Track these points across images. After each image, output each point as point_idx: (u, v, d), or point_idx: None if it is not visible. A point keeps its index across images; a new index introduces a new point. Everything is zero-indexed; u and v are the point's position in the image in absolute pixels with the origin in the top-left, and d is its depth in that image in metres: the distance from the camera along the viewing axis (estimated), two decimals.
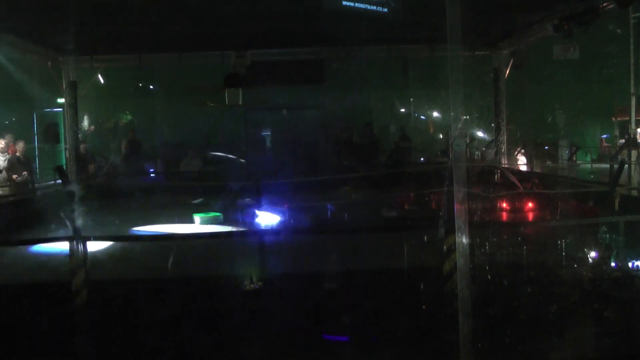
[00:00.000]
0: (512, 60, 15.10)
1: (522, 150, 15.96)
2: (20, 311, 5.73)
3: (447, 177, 4.39)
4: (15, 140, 12.22)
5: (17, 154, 11.84)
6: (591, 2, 10.37)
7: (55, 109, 15.61)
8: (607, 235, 6.83)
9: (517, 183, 11.16)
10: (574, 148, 14.19)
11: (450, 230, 5.16)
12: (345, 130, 17.42)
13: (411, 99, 20.13)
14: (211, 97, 17.08)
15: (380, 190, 12.42)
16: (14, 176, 11.53)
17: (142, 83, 19.41)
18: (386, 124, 19.40)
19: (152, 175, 16.52)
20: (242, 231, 9.25)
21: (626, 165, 10.08)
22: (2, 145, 11.74)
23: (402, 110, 20.40)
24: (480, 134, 17.79)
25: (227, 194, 13.11)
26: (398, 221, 9.98)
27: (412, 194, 10.90)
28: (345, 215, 10.80)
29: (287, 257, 7.47)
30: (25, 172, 11.79)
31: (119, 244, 8.06)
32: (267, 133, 19.10)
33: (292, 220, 10.59)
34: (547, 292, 5.79)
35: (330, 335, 5.24)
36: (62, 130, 15.35)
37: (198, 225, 10.42)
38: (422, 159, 17.72)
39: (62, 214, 6.76)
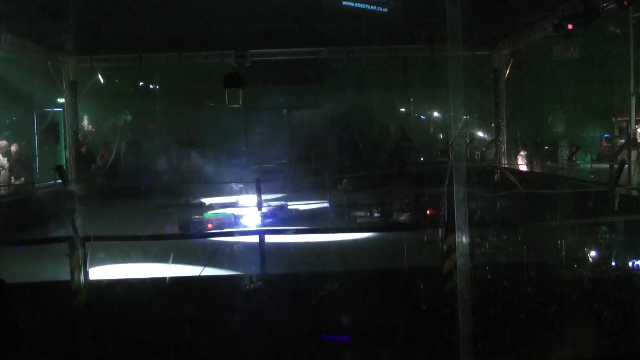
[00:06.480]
0: (512, 60, 15.11)
1: (522, 151, 15.96)
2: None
3: (448, 177, 4.40)
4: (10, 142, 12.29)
5: (14, 155, 11.90)
6: (591, 2, 10.37)
7: (55, 109, 15.59)
8: (607, 235, 6.82)
9: (517, 183, 11.17)
10: (574, 148, 14.17)
11: (450, 230, 5.16)
12: (345, 130, 17.44)
13: (411, 99, 20.12)
14: (211, 97, 17.08)
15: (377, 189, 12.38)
16: (12, 178, 11.60)
17: (142, 83, 19.40)
18: (386, 124, 19.38)
19: (152, 175, 16.46)
20: (242, 231, 9.24)
21: (626, 165, 10.06)
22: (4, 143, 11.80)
23: (402, 110, 20.39)
24: (480, 134, 17.78)
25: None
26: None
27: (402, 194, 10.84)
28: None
29: (286, 258, 7.49)
30: (22, 178, 11.88)
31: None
32: (266, 133, 19.07)
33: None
34: (547, 292, 5.78)
35: (329, 335, 5.23)
36: (62, 130, 15.35)
37: None
38: (422, 159, 17.73)
39: (61, 214, 6.76)
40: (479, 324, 4.43)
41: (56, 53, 14.42)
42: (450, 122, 4.30)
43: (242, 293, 6.04)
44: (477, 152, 16.95)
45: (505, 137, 15.94)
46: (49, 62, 14.25)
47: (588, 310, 5.38)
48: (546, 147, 16.94)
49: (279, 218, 10.64)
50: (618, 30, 13.24)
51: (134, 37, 13.24)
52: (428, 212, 9.74)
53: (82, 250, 5.90)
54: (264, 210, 10.37)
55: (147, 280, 6.62)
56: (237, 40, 13.79)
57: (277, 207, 11.34)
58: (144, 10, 11.06)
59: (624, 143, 12.58)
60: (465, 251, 4.28)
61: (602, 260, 6.36)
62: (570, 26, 10.77)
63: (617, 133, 15.92)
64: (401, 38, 14.31)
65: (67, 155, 15.24)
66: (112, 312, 5.78)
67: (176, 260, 7.06)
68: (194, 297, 6.17)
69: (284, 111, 18.96)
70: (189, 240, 8.72)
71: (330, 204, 12.10)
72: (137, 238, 7.82)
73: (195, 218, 10.34)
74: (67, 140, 15.23)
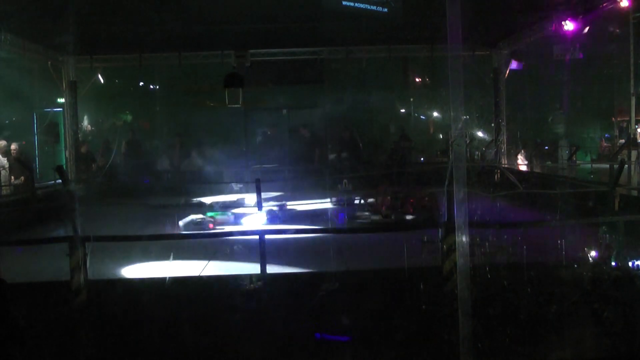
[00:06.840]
0: (512, 61, 15.10)
1: (522, 151, 15.97)
2: None
3: (448, 177, 4.40)
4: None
5: (13, 155, 11.92)
6: (591, 1, 10.37)
7: (55, 109, 15.61)
8: (607, 235, 6.82)
9: (517, 183, 11.16)
10: (574, 148, 14.17)
11: (450, 230, 5.16)
12: (345, 130, 17.44)
13: (411, 99, 20.13)
14: (211, 97, 17.08)
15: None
16: (12, 178, 11.61)
17: (142, 83, 19.41)
18: (386, 124, 19.39)
19: (152, 174, 16.47)
20: (243, 231, 9.24)
21: (626, 165, 10.06)
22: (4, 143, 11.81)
23: (402, 110, 20.39)
24: (480, 134, 17.79)
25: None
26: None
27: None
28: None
29: (285, 257, 7.49)
30: (22, 177, 11.89)
31: None
32: (266, 133, 19.07)
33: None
34: (547, 292, 5.78)
35: (329, 335, 5.23)
36: (62, 130, 15.36)
37: None
38: (422, 159, 17.73)
39: (61, 214, 6.76)
40: (479, 324, 4.43)
41: (56, 53, 14.43)
42: (450, 122, 4.30)
43: (242, 293, 6.04)
44: (477, 152, 16.95)
45: (505, 137, 15.95)
46: (49, 62, 14.26)
47: (588, 310, 5.38)
48: (546, 147, 16.95)
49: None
50: (618, 30, 13.25)
51: (134, 37, 13.24)
52: (423, 211, 9.78)
53: (82, 250, 5.90)
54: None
55: (146, 280, 6.63)
56: (237, 40, 13.80)
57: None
58: (144, 10, 11.06)
59: (624, 143, 12.58)
60: (465, 251, 4.27)
61: (602, 260, 6.35)
62: (570, 26, 10.79)
63: (617, 133, 15.93)
64: (401, 38, 14.32)
65: (67, 155, 15.24)
66: (112, 312, 5.78)
67: (177, 258, 7.08)
68: (193, 297, 6.16)
69: (284, 111, 18.95)
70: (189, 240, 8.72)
71: (331, 204, 12.15)
72: (138, 238, 7.81)
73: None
74: (67, 140, 15.23)
